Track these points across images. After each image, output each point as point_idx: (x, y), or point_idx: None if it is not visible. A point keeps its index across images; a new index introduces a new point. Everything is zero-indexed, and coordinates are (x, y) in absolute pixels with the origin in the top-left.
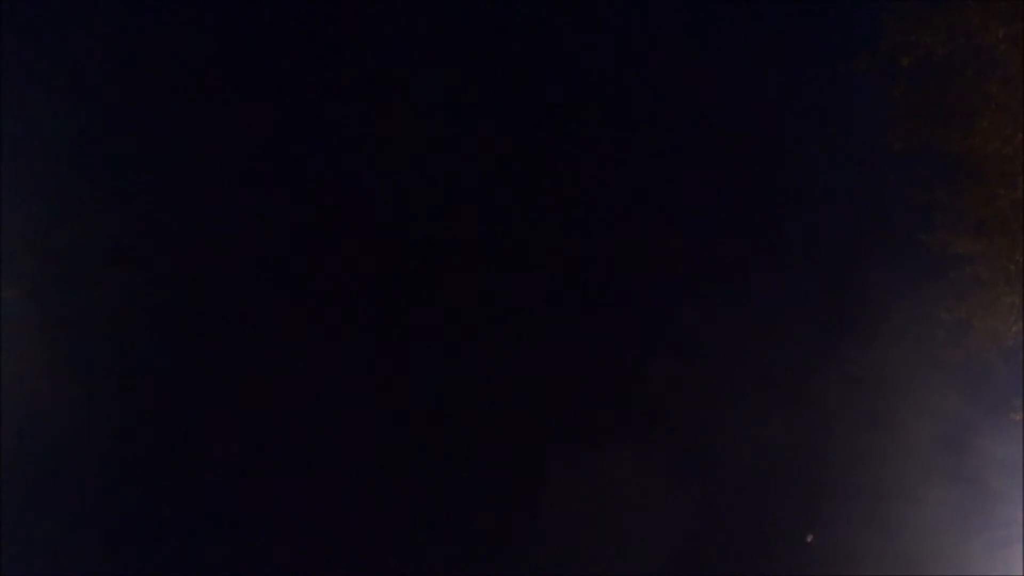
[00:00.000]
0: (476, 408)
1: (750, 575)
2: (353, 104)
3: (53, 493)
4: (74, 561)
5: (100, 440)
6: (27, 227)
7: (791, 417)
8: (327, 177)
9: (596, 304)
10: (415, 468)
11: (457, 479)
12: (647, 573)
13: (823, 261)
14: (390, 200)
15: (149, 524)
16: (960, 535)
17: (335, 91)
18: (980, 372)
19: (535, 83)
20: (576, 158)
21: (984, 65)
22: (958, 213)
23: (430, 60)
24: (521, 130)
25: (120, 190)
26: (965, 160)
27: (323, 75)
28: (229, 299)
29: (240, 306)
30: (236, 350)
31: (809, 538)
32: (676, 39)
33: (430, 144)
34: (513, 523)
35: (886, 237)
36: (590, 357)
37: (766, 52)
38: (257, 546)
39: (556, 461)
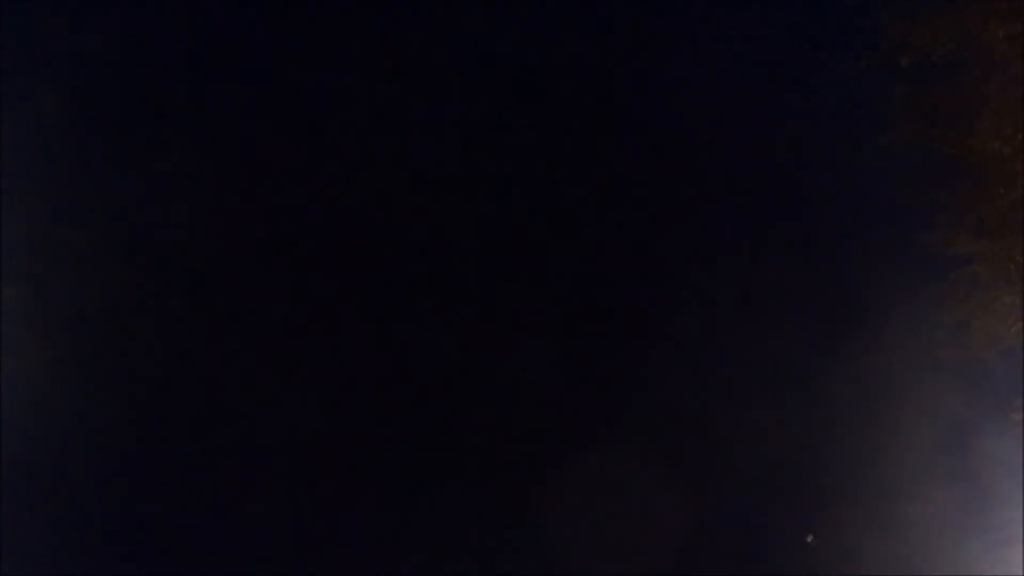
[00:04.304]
0: (475, 408)
1: (750, 575)
2: (355, 102)
3: (53, 492)
4: (74, 561)
5: (101, 439)
6: (27, 227)
7: (791, 417)
8: (329, 176)
9: (596, 304)
10: (415, 468)
11: (456, 479)
12: (647, 573)
13: (823, 261)
14: (392, 200)
15: (150, 523)
16: (960, 535)
17: (336, 90)
18: (980, 372)
19: (536, 83)
20: (575, 157)
21: (984, 65)
22: (958, 213)
23: (428, 59)
24: (521, 130)
25: (120, 189)
26: (965, 160)
27: (323, 74)
28: (231, 297)
29: (242, 304)
30: (238, 348)
31: (809, 538)
32: (675, 39)
33: (429, 143)
34: (513, 523)
35: (886, 237)
36: (590, 357)
37: (766, 52)
38: (257, 545)
39: (556, 461)
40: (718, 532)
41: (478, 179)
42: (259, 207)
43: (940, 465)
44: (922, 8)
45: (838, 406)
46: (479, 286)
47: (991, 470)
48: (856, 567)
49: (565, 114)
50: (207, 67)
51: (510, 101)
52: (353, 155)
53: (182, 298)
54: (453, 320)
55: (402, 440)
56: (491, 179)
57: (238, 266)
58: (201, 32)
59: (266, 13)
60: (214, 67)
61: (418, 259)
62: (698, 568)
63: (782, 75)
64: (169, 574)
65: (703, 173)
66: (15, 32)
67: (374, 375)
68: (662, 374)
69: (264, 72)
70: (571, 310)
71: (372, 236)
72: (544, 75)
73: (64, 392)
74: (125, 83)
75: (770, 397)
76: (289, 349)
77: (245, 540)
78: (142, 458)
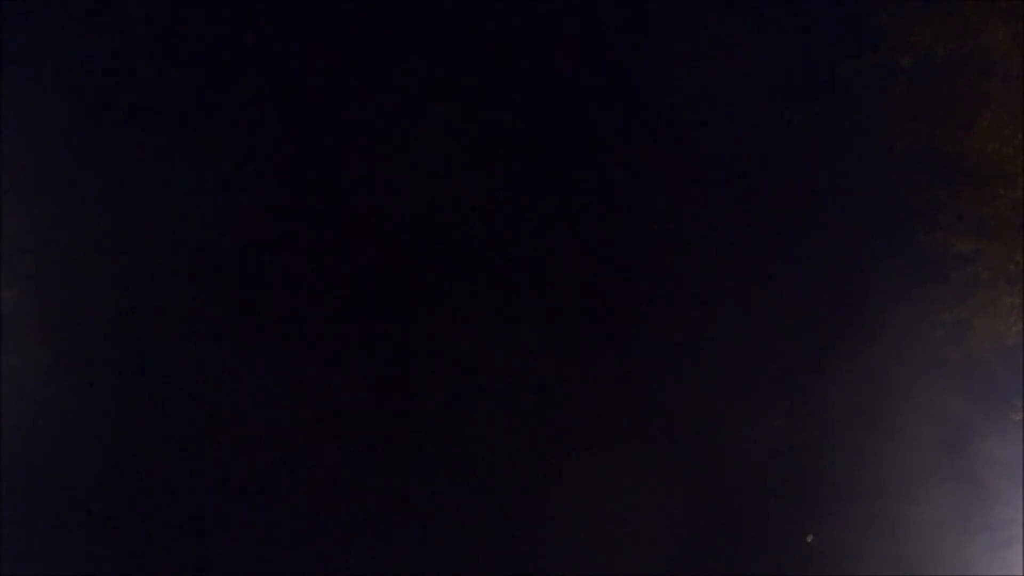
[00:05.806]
0: (474, 408)
1: (750, 575)
2: (355, 103)
3: (54, 494)
4: (74, 561)
5: (101, 439)
6: (27, 227)
7: (791, 417)
8: (329, 177)
9: (595, 304)
10: (415, 469)
11: (455, 479)
12: (646, 573)
13: (823, 261)
14: (393, 201)
15: (150, 523)
16: (960, 535)
17: (336, 90)
18: (980, 372)
19: (535, 82)
20: (572, 157)
21: (984, 65)
22: (958, 213)
23: (426, 58)
24: (521, 130)
25: (120, 189)
26: (965, 160)
27: (324, 75)
28: (231, 298)
29: (242, 305)
30: (238, 349)
31: (809, 538)
32: (674, 38)
33: (429, 142)
34: (512, 523)
35: (886, 237)
36: (589, 357)
37: (766, 52)
38: (259, 546)
39: (554, 461)
40: (718, 532)
41: (478, 177)
42: (259, 207)
43: (940, 465)
44: (922, 8)
45: (838, 406)
46: (479, 285)
47: (991, 470)
48: (856, 567)
49: (563, 112)
50: (209, 67)
51: (508, 99)
52: (352, 154)
53: (182, 298)
54: (450, 319)
55: (401, 440)
56: (491, 177)
57: (238, 266)
58: (203, 32)
59: (268, 13)
60: (216, 67)
61: (419, 256)
62: (698, 568)
63: (782, 75)
64: (169, 574)
65: (702, 173)
66: (15, 32)
67: (374, 373)
68: (660, 374)
69: (266, 73)
70: (570, 309)
71: (372, 233)
72: (542, 74)
73: (64, 392)
74: (126, 82)
75: (769, 397)
76: (289, 348)
77: (245, 540)
78: (142, 458)
